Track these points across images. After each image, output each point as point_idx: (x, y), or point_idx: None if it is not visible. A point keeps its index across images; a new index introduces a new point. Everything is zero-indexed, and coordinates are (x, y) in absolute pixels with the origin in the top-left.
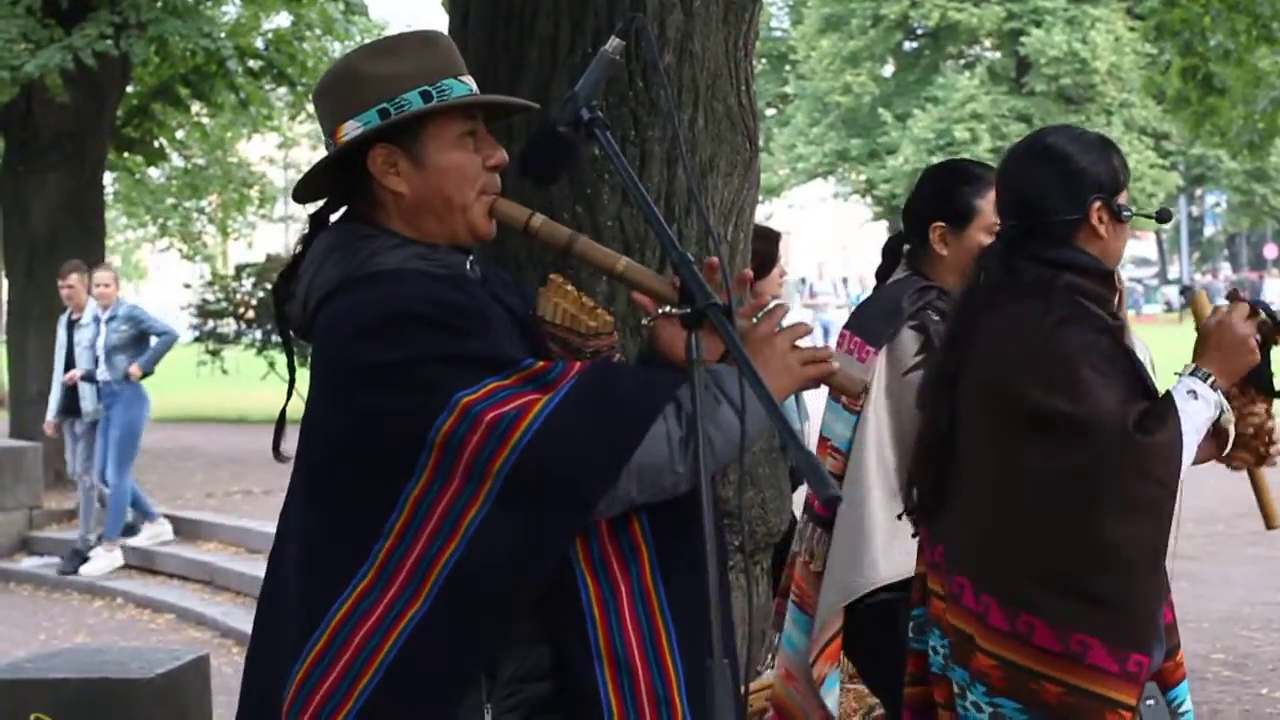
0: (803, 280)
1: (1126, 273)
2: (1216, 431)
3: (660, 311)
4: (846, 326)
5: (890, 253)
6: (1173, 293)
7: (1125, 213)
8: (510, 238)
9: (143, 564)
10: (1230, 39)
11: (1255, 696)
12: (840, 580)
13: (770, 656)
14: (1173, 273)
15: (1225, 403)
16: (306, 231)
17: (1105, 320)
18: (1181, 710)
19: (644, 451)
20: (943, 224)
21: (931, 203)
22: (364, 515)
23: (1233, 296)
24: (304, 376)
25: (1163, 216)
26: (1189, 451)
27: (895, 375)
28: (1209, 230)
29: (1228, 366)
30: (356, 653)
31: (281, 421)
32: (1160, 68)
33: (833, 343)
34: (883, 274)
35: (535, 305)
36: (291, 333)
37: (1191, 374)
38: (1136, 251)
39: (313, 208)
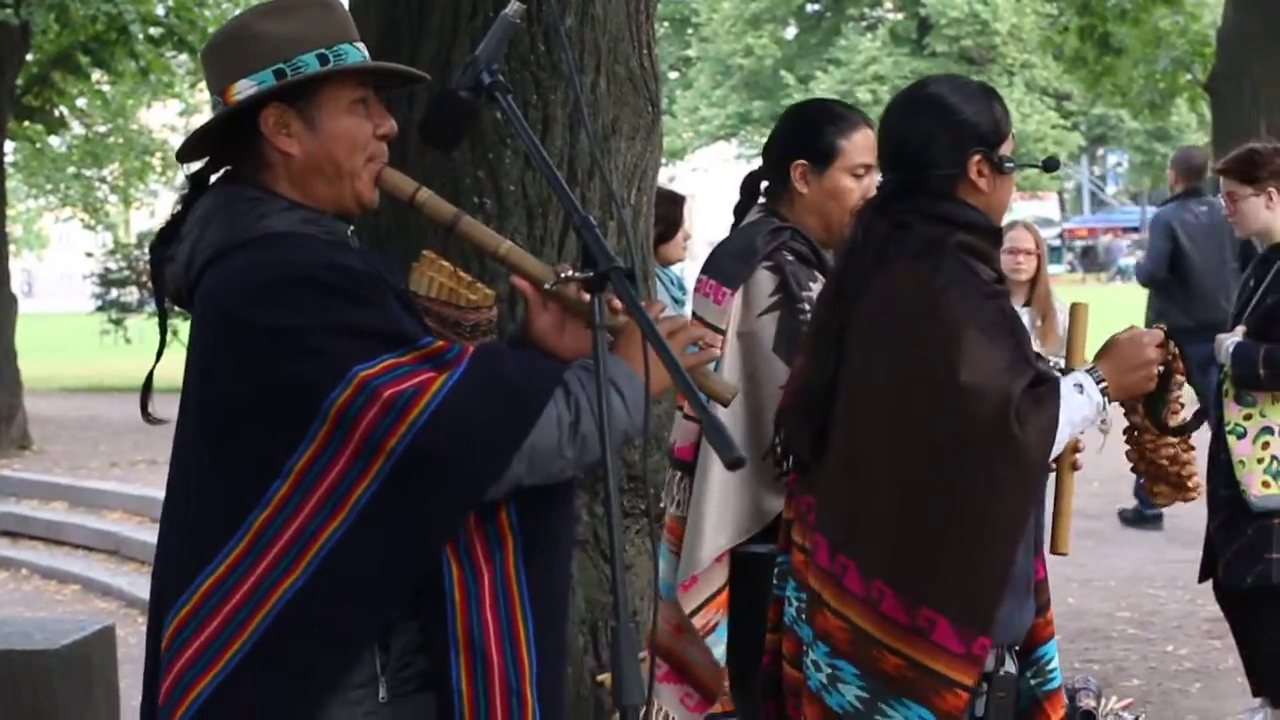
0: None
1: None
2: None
3: (562, 275)
4: (702, 271)
5: (748, 190)
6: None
7: (1007, 164)
8: (382, 211)
9: (47, 534)
10: None
11: (1160, 654)
12: (689, 547)
13: None
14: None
15: (1106, 408)
16: (186, 192)
17: (993, 285)
18: (1049, 668)
19: (536, 435)
20: (804, 162)
21: (794, 140)
22: (244, 481)
23: (1162, 330)
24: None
25: (1049, 165)
26: (1060, 441)
27: (749, 317)
28: (1111, 189)
29: (1122, 380)
30: (225, 621)
31: (148, 383)
32: (1060, 27)
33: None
34: (740, 211)
35: (409, 281)
36: (167, 297)
37: (1088, 371)
38: (1038, 211)
39: (192, 168)
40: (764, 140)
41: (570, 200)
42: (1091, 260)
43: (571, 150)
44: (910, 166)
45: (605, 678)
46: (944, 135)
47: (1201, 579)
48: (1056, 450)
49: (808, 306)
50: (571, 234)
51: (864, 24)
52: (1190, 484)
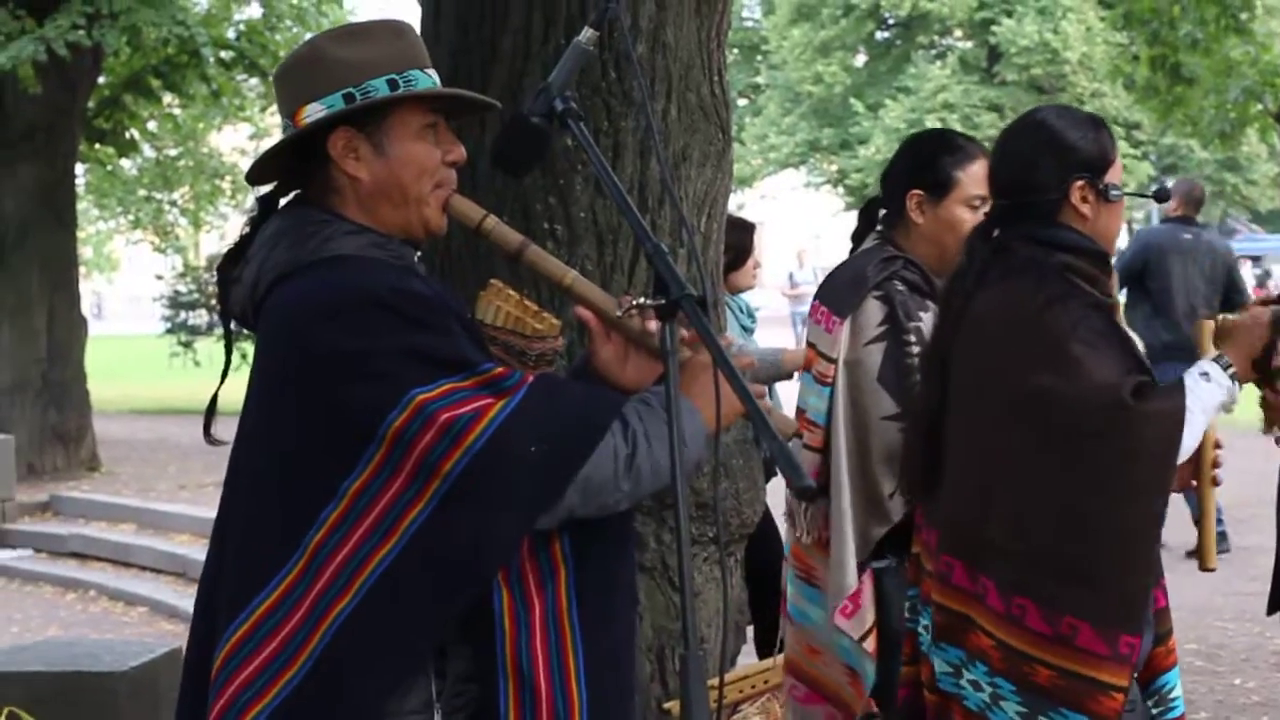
0: (790, 276)
1: None
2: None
3: (634, 302)
4: (816, 296)
5: (866, 217)
6: None
7: (1113, 193)
8: (452, 236)
9: (115, 556)
10: (1199, 28)
11: (1228, 687)
12: (834, 572)
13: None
14: None
15: (1236, 390)
16: (255, 214)
17: (1096, 297)
18: (1172, 697)
19: (592, 465)
20: (920, 192)
21: (911, 170)
22: (300, 502)
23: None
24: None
25: (1160, 195)
26: (1194, 431)
27: (856, 346)
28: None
29: (1244, 358)
30: (283, 645)
31: (213, 405)
32: (1129, 57)
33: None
34: (857, 237)
35: (474, 309)
36: (233, 318)
37: (1214, 359)
38: None
39: (261, 191)
40: (832, 168)
41: (641, 227)
42: None
43: (642, 177)
44: (1015, 191)
45: (672, 705)
46: (1047, 160)
47: (1270, 611)
48: (1193, 444)
49: (914, 338)
50: (642, 261)
51: (933, 52)
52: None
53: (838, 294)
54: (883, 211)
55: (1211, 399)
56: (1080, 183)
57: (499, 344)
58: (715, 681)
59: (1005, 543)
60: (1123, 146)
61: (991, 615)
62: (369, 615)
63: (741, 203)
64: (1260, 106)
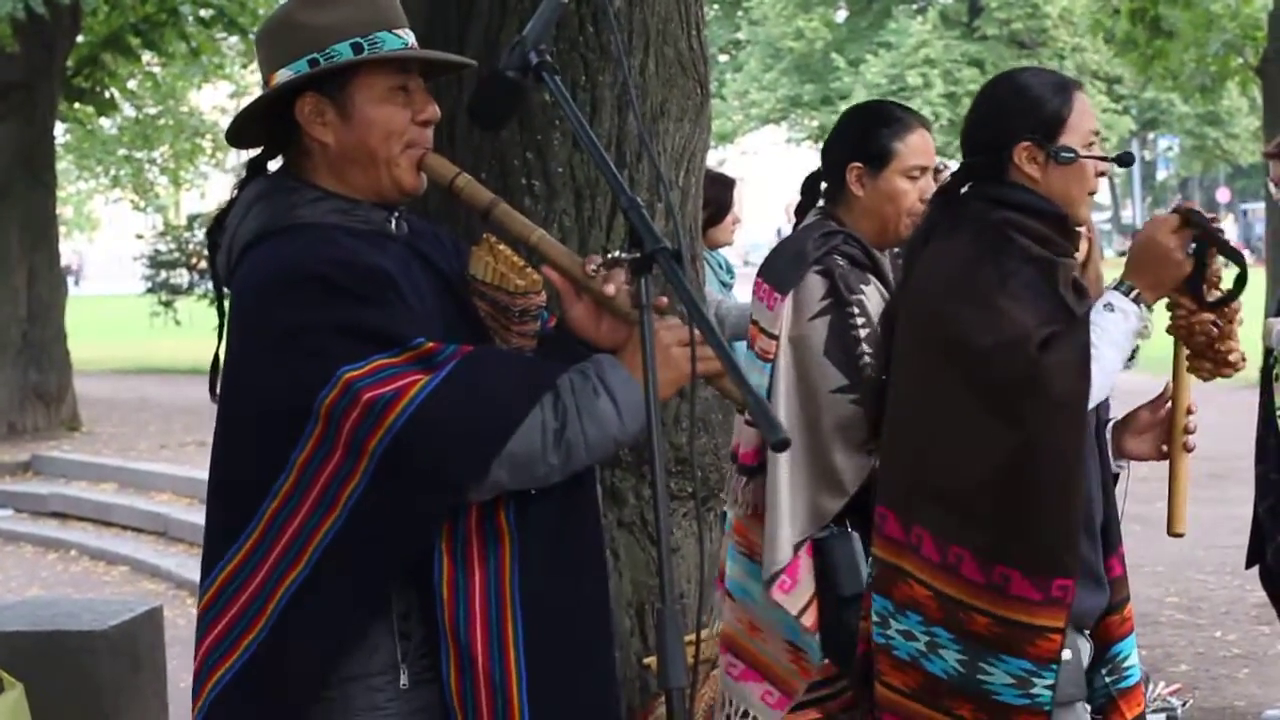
0: (779, 232)
1: None
2: (1149, 425)
3: (609, 256)
4: (759, 273)
5: (809, 191)
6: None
7: (1064, 154)
8: (429, 195)
9: (96, 516)
10: None
11: (1208, 639)
12: (768, 545)
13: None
14: (1126, 217)
15: (1146, 315)
16: (241, 178)
17: (1034, 252)
18: (1126, 665)
19: (517, 441)
20: (860, 165)
21: (850, 143)
22: (257, 472)
23: (1176, 207)
24: None
25: (1124, 160)
26: (1104, 364)
27: (800, 321)
28: (1161, 174)
29: (1153, 279)
30: (243, 609)
31: (215, 364)
32: (1110, 10)
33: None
34: (801, 211)
35: (468, 264)
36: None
37: (1114, 287)
38: None
39: (246, 156)
40: (814, 124)
41: (618, 182)
42: None
43: (620, 132)
44: (969, 149)
45: (651, 660)
46: (998, 120)
47: (1249, 564)
48: (1109, 378)
49: (857, 310)
50: (620, 216)
51: (914, 7)
52: (1231, 358)
53: (779, 270)
54: (824, 185)
55: (1118, 329)
56: (1026, 144)
57: (486, 299)
58: (693, 637)
59: (939, 493)
60: (1103, 101)
61: (927, 565)
62: (317, 586)
63: (723, 159)
64: (1240, 60)
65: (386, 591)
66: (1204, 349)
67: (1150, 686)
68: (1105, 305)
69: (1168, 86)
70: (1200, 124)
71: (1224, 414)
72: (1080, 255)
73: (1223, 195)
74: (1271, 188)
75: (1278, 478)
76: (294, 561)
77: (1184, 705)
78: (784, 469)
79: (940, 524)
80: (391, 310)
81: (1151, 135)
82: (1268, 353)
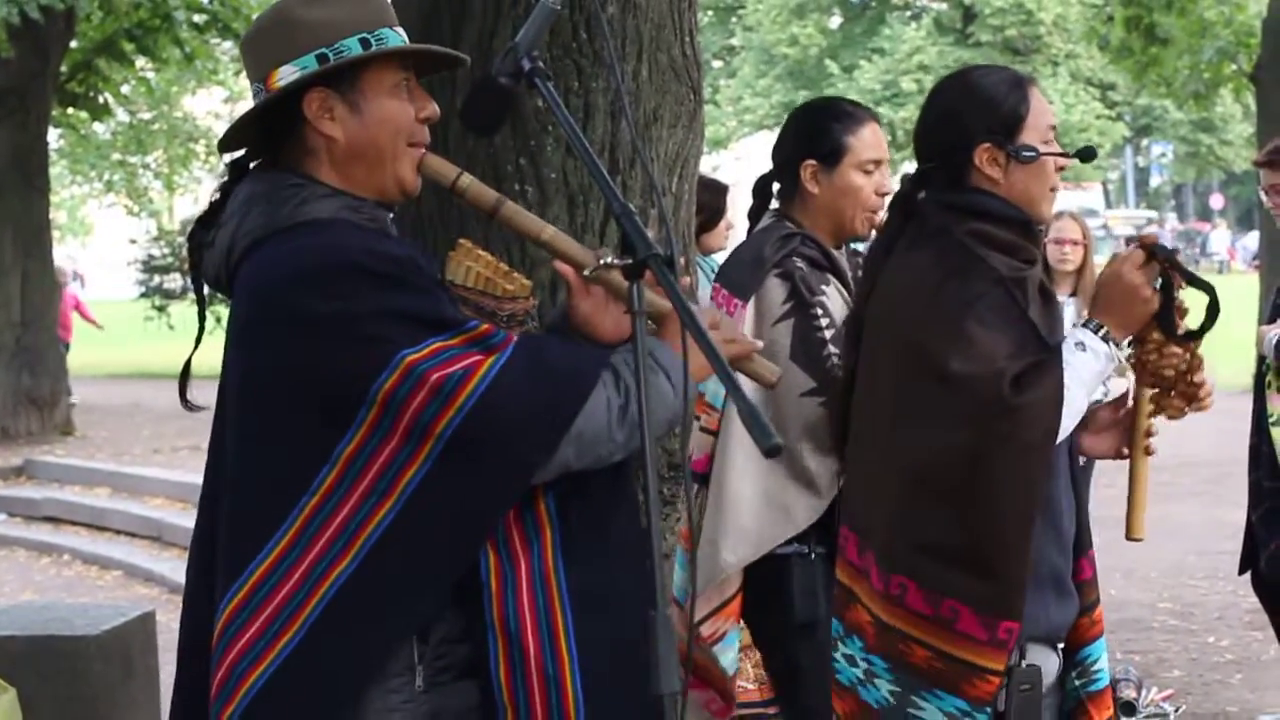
0: None
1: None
2: (1110, 424)
3: (601, 262)
4: (716, 279)
5: (760, 193)
6: (1117, 245)
7: (1025, 153)
8: (423, 198)
9: (90, 520)
10: None
11: (1202, 645)
12: (701, 559)
13: None
14: (1118, 229)
15: (1117, 353)
16: (226, 179)
17: (999, 272)
18: (1095, 669)
19: (584, 418)
20: (814, 162)
21: (802, 140)
22: (292, 468)
23: (1139, 242)
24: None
25: (1086, 155)
26: (1073, 407)
27: (763, 327)
28: (1155, 181)
29: (1121, 317)
30: (278, 610)
31: (186, 370)
32: (1104, 17)
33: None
34: (754, 215)
35: (445, 270)
36: (206, 283)
37: (1083, 325)
38: (1082, 202)
39: (231, 155)
40: None
41: (610, 188)
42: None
43: (613, 138)
44: (925, 155)
45: None
46: (954, 122)
47: (1242, 571)
48: (1074, 418)
49: (821, 311)
50: (613, 222)
51: (908, 13)
52: (1200, 393)
53: (736, 276)
54: (776, 186)
55: (1089, 370)
56: (987, 145)
57: (470, 305)
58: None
59: (889, 520)
60: (1097, 108)
61: (872, 591)
62: (370, 576)
63: (716, 165)
64: (1234, 67)
65: (449, 582)
66: (1173, 383)
67: (1143, 692)
68: (1077, 344)
69: (1161, 93)
70: (1194, 131)
71: (1216, 420)
72: (1075, 263)
73: (1216, 201)
74: (1263, 196)
75: (1270, 485)
76: (340, 556)
77: (1177, 711)
78: (735, 481)
79: (888, 553)
80: (436, 295)
81: (1145, 142)
82: (1260, 360)
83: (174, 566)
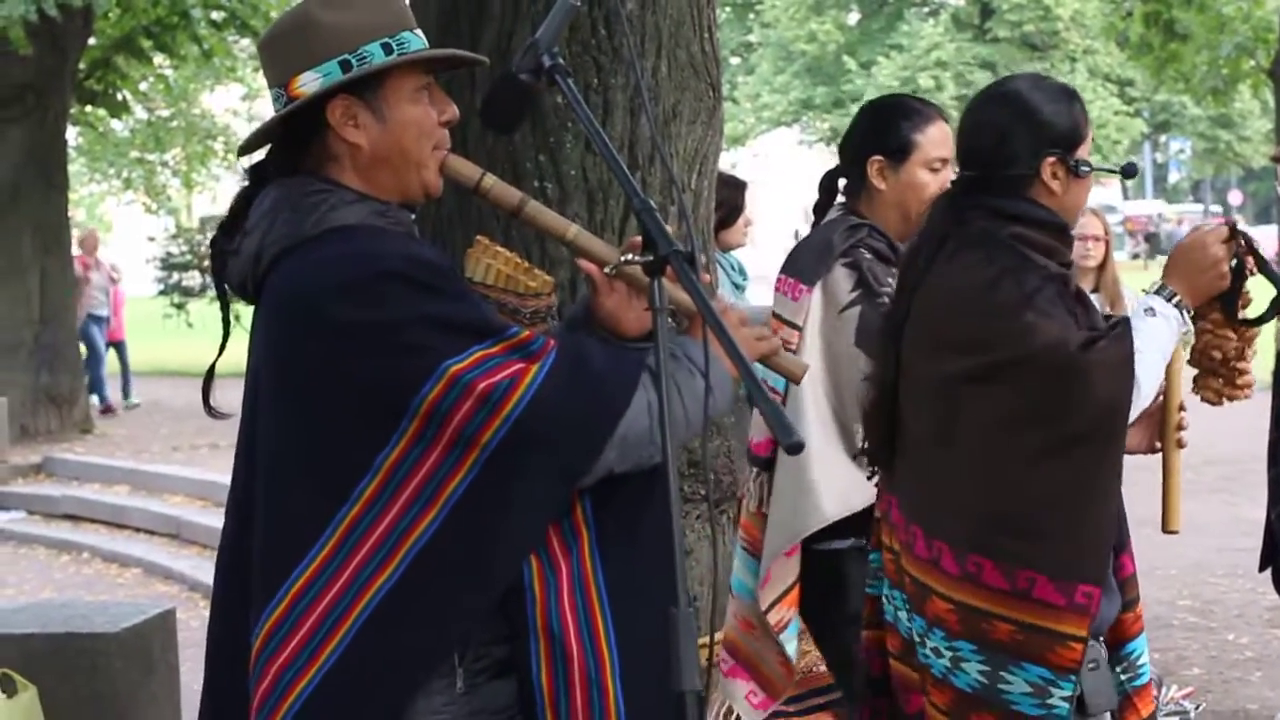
0: (796, 234)
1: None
2: (1140, 418)
3: (622, 259)
4: (782, 269)
5: (826, 188)
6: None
7: (1083, 168)
8: (443, 199)
9: (109, 518)
10: None
11: (1221, 643)
12: (784, 522)
13: None
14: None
15: (1187, 320)
16: (247, 185)
17: (1050, 270)
18: (1140, 663)
19: (626, 422)
20: (881, 158)
21: (870, 136)
22: (331, 477)
23: (1224, 220)
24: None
25: (1128, 171)
26: (1150, 371)
27: (829, 314)
28: (1173, 177)
29: (1194, 284)
30: (320, 621)
31: (210, 375)
32: (1123, 14)
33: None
34: (820, 209)
35: (464, 267)
36: (229, 289)
37: (1156, 291)
38: (1100, 198)
39: (251, 160)
40: (826, 126)
41: (631, 185)
42: (1154, 246)
43: (632, 135)
44: (983, 164)
45: None
46: (1020, 134)
47: (1262, 568)
48: (1152, 384)
49: (888, 299)
50: (632, 218)
51: (926, 9)
52: (1240, 381)
53: (804, 263)
54: (843, 181)
55: (1161, 334)
56: (1052, 159)
57: (491, 303)
58: (706, 640)
59: (958, 505)
60: (1115, 104)
61: (946, 578)
62: (413, 587)
63: (734, 161)
64: (1252, 62)
65: (498, 588)
66: (1218, 366)
67: (1163, 689)
68: (1146, 310)
69: (1180, 89)
70: (1212, 127)
71: (1236, 416)
72: (1097, 259)
73: (1234, 197)
74: None
75: None
76: (381, 566)
77: (1197, 708)
78: (795, 464)
79: (958, 536)
80: (473, 302)
81: (1163, 138)
82: (1279, 356)
83: (193, 564)
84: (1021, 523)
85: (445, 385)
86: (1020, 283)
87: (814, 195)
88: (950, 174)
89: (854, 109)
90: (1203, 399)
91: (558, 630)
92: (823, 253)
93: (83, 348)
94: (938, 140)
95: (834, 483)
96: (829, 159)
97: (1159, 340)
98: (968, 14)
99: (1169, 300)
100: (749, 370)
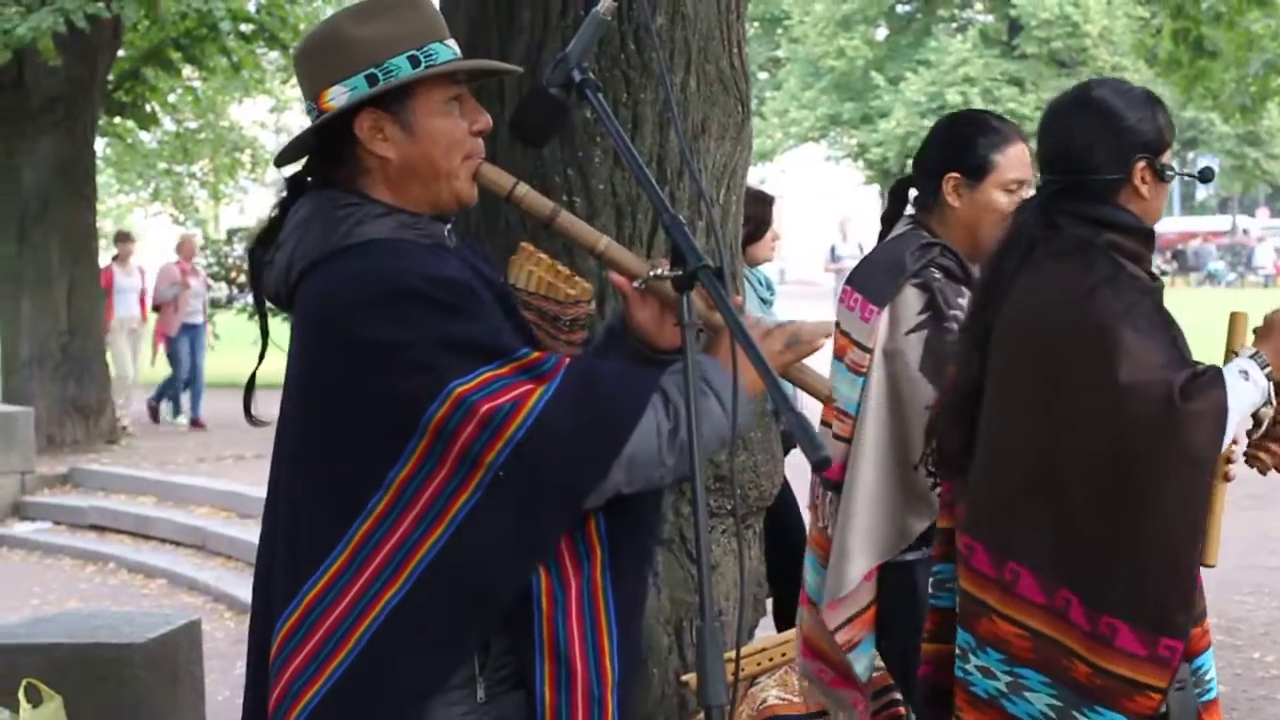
0: (833, 249)
1: None
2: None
3: (652, 274)
4: (849, 281)
5: (897, 198)
6: (1164, 259)
7: (1169, 172)
8: (472, 208)
9: (135, 529)
10: (1221, 2)
11: (1247, 661)
12: (838, 566)
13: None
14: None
15: (1273, 392)
16: (284, 195)
17: (1146, 282)
18: (1208, 678)
19: (634, 444)
20: (957, 175)
21: (948, 152)
22: (346, 492)
23: None
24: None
25: (1205, 176)
26: (1231, 431)
27: (895, 335)
28: (1201, 194)
29: None
30: (330, 632)
31: (251, 384)
32: (1151, 31)
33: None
34: (888, 219)
35: (506, 273)
36: (267, 300)
37: (1250, 356)
38: None
39: (289, 170)
40: (853, 142)
41: (660, 199)
42: (1181, 264)
43: (661, 149)
44: (1073, 170)
45: (690, 678)
46: (1110, 140)
47: None
48: (1228, 440)
49: (955, 325)
50: (660, 233)
51: (954, 25)
52: None
53: (874, 281)
54: (914, 193)
55: (1247, 399)
56: (1142, 163)
57: (532, 309)
58: (732, 654)
59: (1048, 533)
60: None
61: (1022, 603)
62: (420, 602)
63: (762, 177)
64: None
65: (502, 605)
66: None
67: None
68: (1240, 372)
69: (1208, 106)
70: (1240, 144)
71: None
72: None
73: (1262, 215)
74: None
75: None
76: (391, 580)
77: None
78: (866, 487)
79: (1048, 564)
80: (487, 322)
81: (1191, 155)
82: None
83: (218, 575)
84: (1111, 565)
85: (451, 406)
86: (1117, 294)
87: (841, 210)
88: (1024, 195)
89: (881, 125)
90: (1252, 466)
91: (564, 647)
92: (894, 271)
93: (167, 359)
94: (1016, 161)
95: (875, 531)
96: (856, 174)
97: (1245, 402)
98: (996, 30)
99: (1261, 368)
100: (776, 384)
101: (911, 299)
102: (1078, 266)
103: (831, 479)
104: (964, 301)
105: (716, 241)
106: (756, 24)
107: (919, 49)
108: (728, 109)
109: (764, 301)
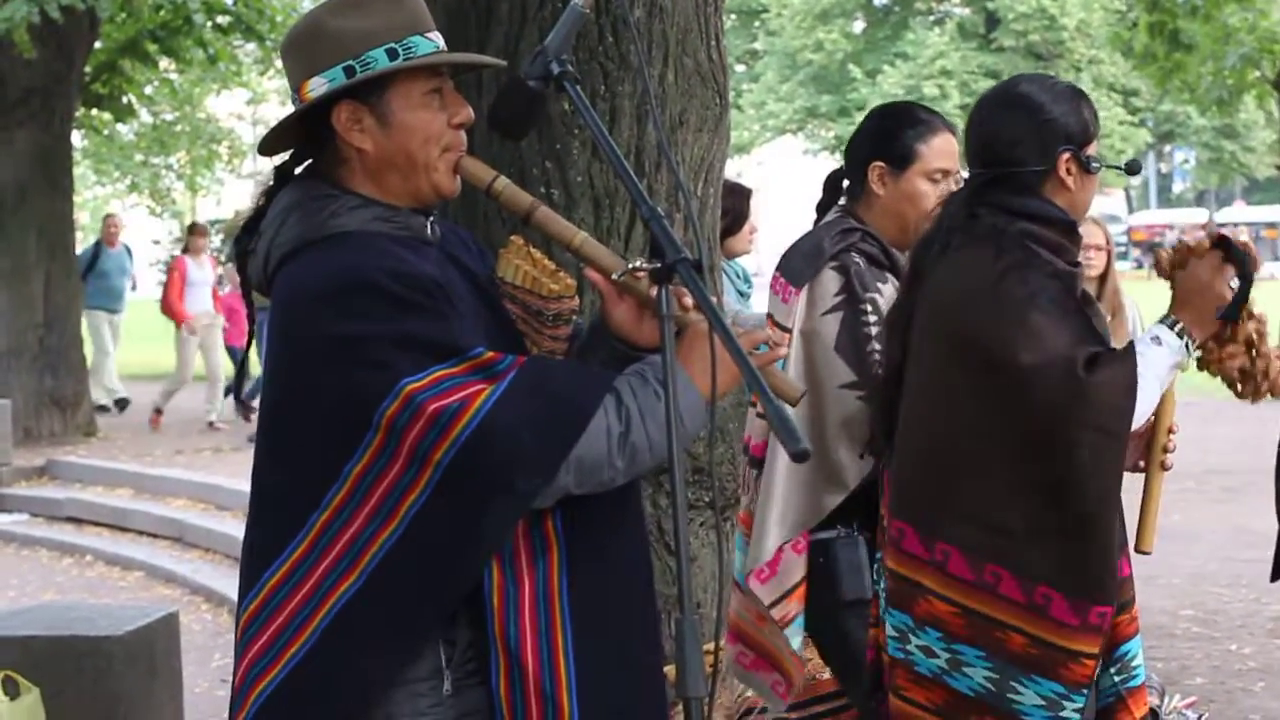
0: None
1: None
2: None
3: (630, 266)
4: (777, 268)
5: (831, 188)
6: (1140, 253)
7: (1094, 165)
8: (447, 202)
9: (112, 521)
10: None
11: (1224, 652)
12: (756, 540)
13: None
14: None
15: (1188, 347)
16: (270, 184)
17: (1056, 266)
18: (1134, 665)
19: (583, 445)
20: (882, 164)
21: (873, 141)
22: (306, 482)
23: (1215, 238)
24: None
25: (1132, 168)
26: (1147, 397)
27: (812, 316)
28: (1178, 187)
29: (1198, 315)
30: (288, 620)
31: (241, 370)
32: (1128, 24)
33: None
34: (822, 208)
35: (495, 266)
36: (253, 289)
37: (1160, 321)
38: (1104, 208)
39: (278, 159)
40: (830, 134)
41: (638, 191)
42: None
43: (639, 142)
44: (999, 163)
45: (669, 669)
46: (1035, 133)
47: (1274, 578)
48: (1146, 411)
49: (870, 308)
50: (639, 225)
51: (931, 19)
52: (1274, 370)
53: (794, 265)
54: (845, 183)
55: (1162, 364)
56: (1066, 155)
57: (518, 303)
58: (711, 646)
59: (972, 512)
60: (1120, 114)
61: (956, 582)
62: (373, 596)
63: (739, 170)
64: (1258, 73)
65: (451, 602)
66: (1245, 378)
67: (1166, 699)
68: (1153, 339)
69: (1185, 99)
70: (1217, 137)
71: (1237, 427)
72: (1099, 268)
73: (1238, 207)
74: None
75: None
76: (346, 573)
77: (1200, 718)
78: (782, 465)
79: (975, 543)
80: (446, 320)
81: (1168, 148)
82: None
83: (196, 567)
84: (1037, 537)
85: (401, 403)
86: (1025, 279)
87: (809, 203)
88: (951, 186)
89: (859, 118)
90: (1245, 398)
91: (515, 645)
92: (814, 254)
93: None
94: (941, 151)
95: (791, 506)
96: (833, 167)
97: (1159, 369)
98: (973, 23)
99: (1172, 329)
100: (754, 374)
101: (829, 281)
102: (989, 253)
103: (756, 455)
104: (884, 286)
105: (695, 234)
106: (734, 16)
107: (896, 42)
108: (706, 101)
109: (741, 294)
